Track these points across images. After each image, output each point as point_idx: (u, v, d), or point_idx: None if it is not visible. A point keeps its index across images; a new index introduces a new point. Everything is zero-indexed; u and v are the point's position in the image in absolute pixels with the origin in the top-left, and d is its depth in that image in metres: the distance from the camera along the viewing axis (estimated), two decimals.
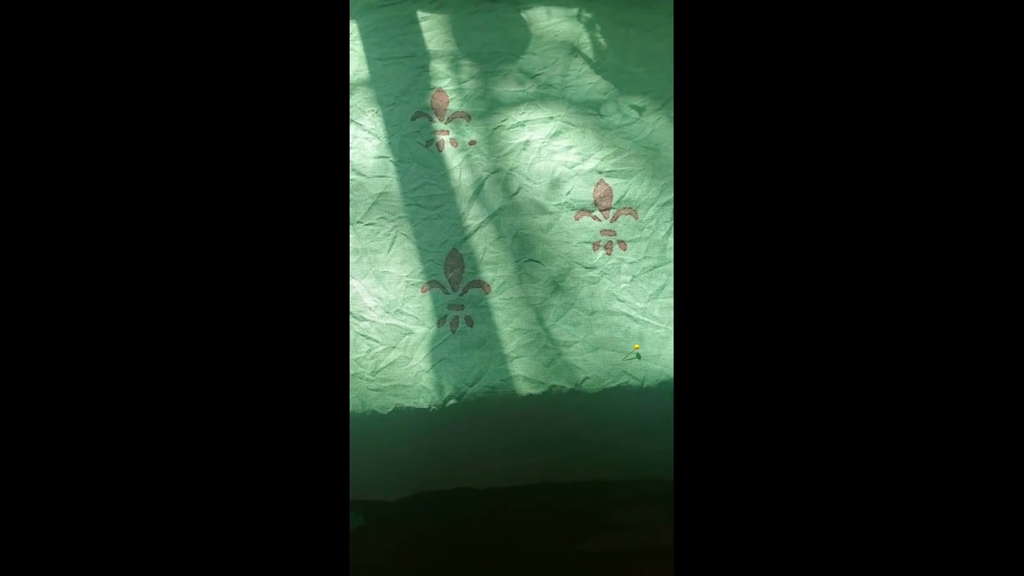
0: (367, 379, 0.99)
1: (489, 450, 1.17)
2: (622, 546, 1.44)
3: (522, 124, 1.23)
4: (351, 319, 1.03)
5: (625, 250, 1.11)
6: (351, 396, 0.98)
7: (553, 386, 0.99)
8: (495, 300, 1.06)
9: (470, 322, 1.04)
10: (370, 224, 1.11)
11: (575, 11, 1.40)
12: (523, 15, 1.39)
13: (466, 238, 1.11)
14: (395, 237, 1.10)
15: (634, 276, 1.09)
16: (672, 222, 1.14)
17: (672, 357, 1.02)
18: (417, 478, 1.27)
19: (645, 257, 1.10)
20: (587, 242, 1.11)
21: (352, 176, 1.15)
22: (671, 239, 1.12)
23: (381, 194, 1.14)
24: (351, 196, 1.13)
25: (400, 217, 1.12)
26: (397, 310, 1.04)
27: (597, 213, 1.14)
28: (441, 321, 1.04)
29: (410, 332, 1.03)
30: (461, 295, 1.06)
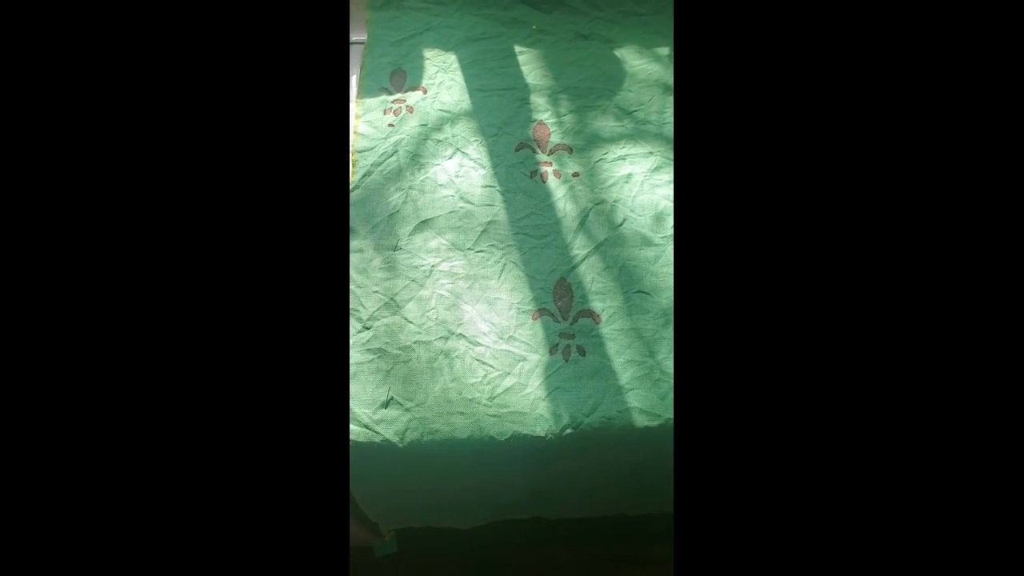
0: (484, 404, 0.99)
1: (582, 480, 1.16)
2: None
3: (623, 158, 1.25)
4: (466, 343, 1.03)
5: None
6: (468, 421, 0.98)
7: (669, 419, 0.99)
8: (606, 331, 1.06)
9: (582, 351, 1.04)
10: (480, 251, 1.12)
11: (666, 51, 1.43)
12: (616, 53, 1.42)
13: (573, 267, 1.12)
14: (504, 264, 1.12)
15: None
16: None
17: None
18: (495, 506, 1.26)
19: None
20: None
21: (461, 204, 1.17)
22: None
23: (490, 222, 1.15)
24: (461, 224, 1.15)
25: (509, 245, 1.13)
26: (510, 336, 1.05)
27: None
28: (553, 349, 1.04)
29: (524, 359, 1.03)
30: (572, 324, 1.07)
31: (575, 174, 1.23)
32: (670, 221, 1.17)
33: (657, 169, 1.24)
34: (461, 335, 1.04)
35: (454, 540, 1.42)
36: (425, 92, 1.32)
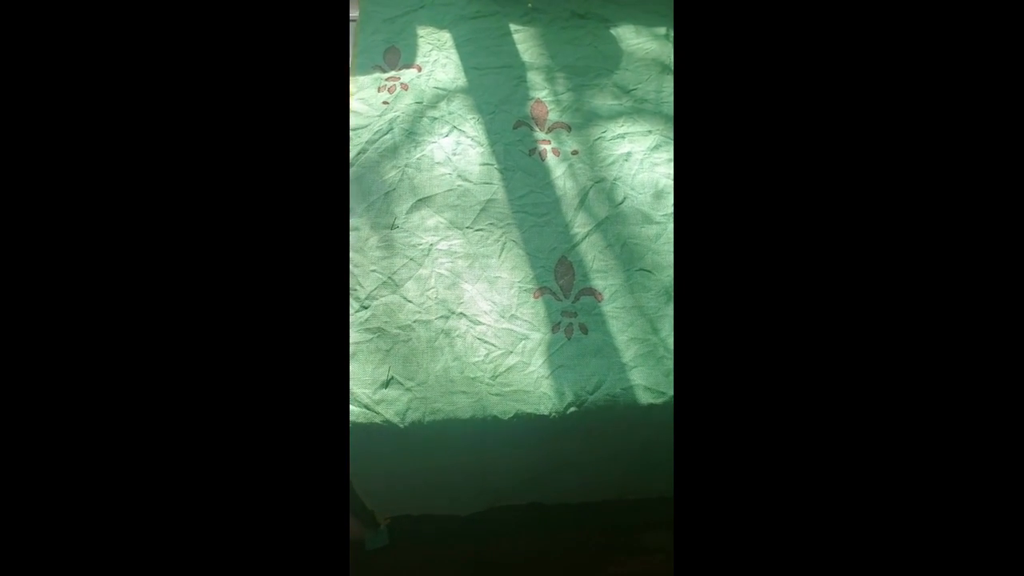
0: (487, 384, 0.97)
1: (579, 463, 1.15)
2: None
3: (622, 136, 1.23)
4: (467, 322, 1.01)
5: None
6: (470, 400, 0.96)
7: (673, 396, 0.98)
8: (608, 308, 1.05)
9: (584, 329, 1.03)
10: (479, 230, 1.10)
11: (663, 30, 1.42)
12: (612, 32, 1.40)
13: (574, 246, 1.10)
14: (504, 243, 1.10)
15: None
16: None
17: None
18: (495, 490, 1.24)
19: None
20: None
21: (459, 182, 1.15)
22: None
23: (488, 201, 1.13)
24: (459, 202, 1.13)
25: (508, 224, 1.11)
26: (512, 315, 1.03)
27: None
28: (555, 327, 1.02)
29: (526, 337, 1.01)
30: (573, 302, 1.05)
31: (574, 152, 1.21)
32: (670, 199, 1.16)
33: (656, 147, 1.22)
34: (462, 314, 1.02)
35: (451, 528, 1.40)
36: (420, 70, 1.29)
